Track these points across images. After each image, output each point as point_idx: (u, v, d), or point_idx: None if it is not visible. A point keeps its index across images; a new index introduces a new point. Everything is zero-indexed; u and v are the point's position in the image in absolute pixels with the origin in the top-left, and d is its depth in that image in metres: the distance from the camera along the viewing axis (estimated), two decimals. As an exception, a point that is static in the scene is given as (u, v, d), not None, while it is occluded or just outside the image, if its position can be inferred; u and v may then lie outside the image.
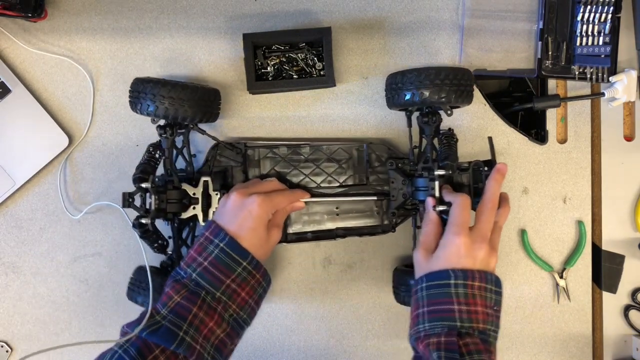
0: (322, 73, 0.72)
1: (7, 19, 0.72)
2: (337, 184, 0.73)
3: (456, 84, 0.64)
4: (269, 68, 0.72)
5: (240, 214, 0.62)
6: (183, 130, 0.69)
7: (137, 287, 0.65)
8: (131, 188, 0.64)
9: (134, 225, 0.64)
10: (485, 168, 0.66)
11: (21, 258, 0.74)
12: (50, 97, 0.74)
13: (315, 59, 0.73)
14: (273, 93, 0.75)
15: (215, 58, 0.75)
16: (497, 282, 0.59)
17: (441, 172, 0.64)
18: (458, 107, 0.70)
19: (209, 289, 0.58)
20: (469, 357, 0.53)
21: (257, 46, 0.71)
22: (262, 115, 0.75)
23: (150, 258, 0.74)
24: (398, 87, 0.66)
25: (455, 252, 0.58)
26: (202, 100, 0.65)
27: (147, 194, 0.64)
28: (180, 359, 0.55)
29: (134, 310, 0.74)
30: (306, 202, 0.72)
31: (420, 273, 0.61)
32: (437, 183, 0.65)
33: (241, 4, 0.75)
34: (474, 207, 0.63)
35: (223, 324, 0.59)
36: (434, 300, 0.57)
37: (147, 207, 0.64)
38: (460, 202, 0.60)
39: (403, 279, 0.70)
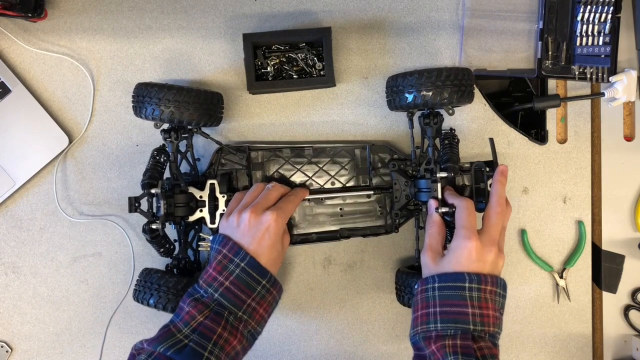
0: (322, 73, 0.72)
1: (7, 19, 0.72)
2: (340, 186, 0.73)
3: (457, 84, 0.64)
4: (269, 68, 0.72)
5: (258, 233, 0.62)
6: (187, 135, 0.69)
7: (147, 288, 0.65)
8: (131, 188, 0.64)
9: (143, 230, 0.64)
10: (487, 169, 0.66)
11: (21, 258, 0.74)
12: (50, 97, 0.74)
13: (315, 59, 0.73)
14: (273, 93, 0.75)
15: (215, 58, 0.75)
16: (505, 287, 0.60)
17: (443, 174, 0.65)
18: (458, 105, 0.70)
19: (232, 309, 0.59)
20: None
21: (257, 46, 0.71)
22: (262, 115, 0.75)
23: (153, 261, 0.74)
24: (399, 90, 0.66)
25: (467, 256, 0.58)
26: (206, 104, 0.65)
27: (154, 199, 0.64)
28: None
29: (134, 310, 0.74)
30: (310, 205, 0.72)
31: (428, 274, 0.61)
32: (439, 185, 0.65)
33: (241, 4, 0.75)
34: (476, 208, 0.63)
35: (243, 341, 0.60)
36: (447, 301, 0.57)
37: (154, 211, 0.65)
38: (466, 206, 0.61)
39: (406, 281, 0.70)
